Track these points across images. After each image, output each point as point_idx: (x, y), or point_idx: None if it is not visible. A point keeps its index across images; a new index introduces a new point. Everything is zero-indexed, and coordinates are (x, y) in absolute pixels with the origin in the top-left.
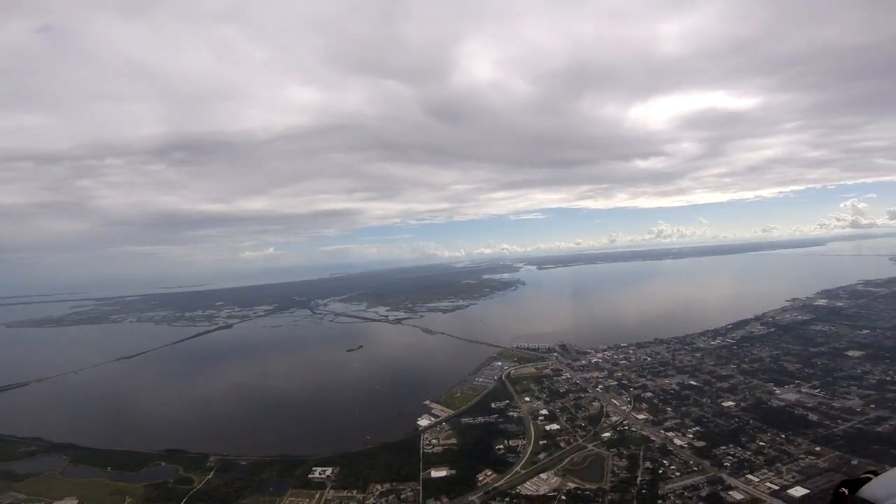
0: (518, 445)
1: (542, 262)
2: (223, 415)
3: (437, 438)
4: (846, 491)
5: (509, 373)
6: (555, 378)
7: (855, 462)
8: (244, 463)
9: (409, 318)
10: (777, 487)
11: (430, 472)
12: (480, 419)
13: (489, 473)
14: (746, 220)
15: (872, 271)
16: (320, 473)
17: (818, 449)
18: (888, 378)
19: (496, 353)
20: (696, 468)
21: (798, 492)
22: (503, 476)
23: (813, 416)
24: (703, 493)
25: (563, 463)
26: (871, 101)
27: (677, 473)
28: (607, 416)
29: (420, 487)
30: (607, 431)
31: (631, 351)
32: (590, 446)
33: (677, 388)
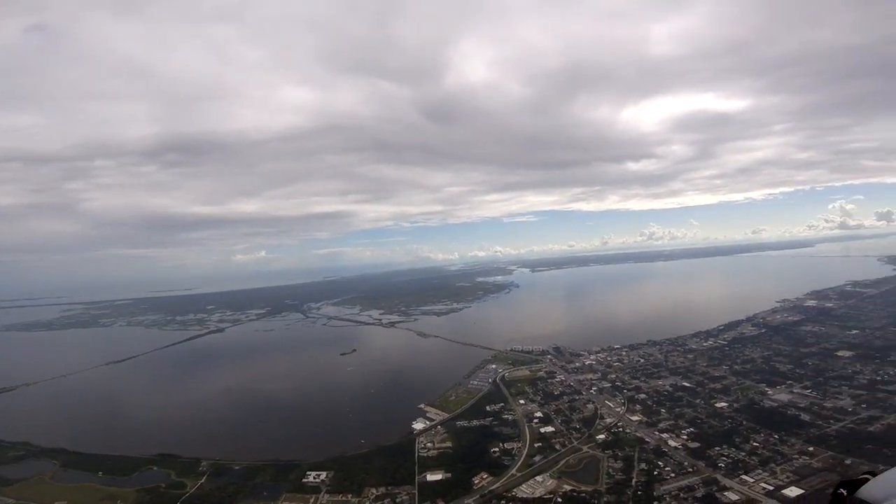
0: (513, 448)
1: (536, 265)
2: (215, 419)
3: (433, 442)
4: (844, 492)
5: (504, 375)
6: (549, 380)
7: (848, 462)
8: (237, 467)
9: (402, 321)
10: (772, 488)
11: (425, 476)
12: (475, 422)
13: (485, 476)
14: (736, 222)
15: (861, 272)
16: (314, 477)
17: (811, 449)
18: (878, 378)
19: (490, 355)
20: (690, 469)
21: (793, 492)
22: (499, 479)
23: (805, 417)
24: (699, 494)
25: (559, 465)
26: (858, 103)
27: (672, 475)
28: (602, 417)
29: (416, 491)
30: (602, 433)
31: (624, 353)
32: (585, 448)
33: (671, 389)
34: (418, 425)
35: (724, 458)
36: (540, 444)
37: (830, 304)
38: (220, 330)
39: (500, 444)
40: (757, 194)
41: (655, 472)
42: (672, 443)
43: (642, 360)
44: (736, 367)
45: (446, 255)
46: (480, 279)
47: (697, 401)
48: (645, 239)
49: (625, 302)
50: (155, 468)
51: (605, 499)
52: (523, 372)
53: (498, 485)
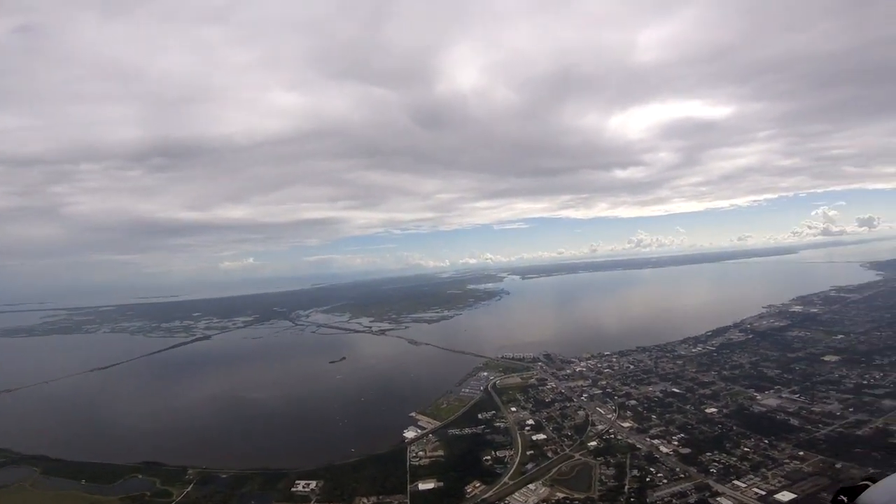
0: (505, 456)
1: (526, 272)
2: (202, 427)
3: (424, 450)
4: (845, 499)
5: (495, 383)
6: (540, 388)
7: (839, 466)
8: (224, 476)
9: (393, 328)
10: (764, 493)
11: (417, 485)
12: (467, 430)
13: (477, 485)
14: (722, 229)
15: (844, 278)
16: (304, 486)
17: (802, 453)
18: (865, 382)
19: (482, 363)
20: (682, 475)
21: (785, 496)
22: (491, 487)
23: (794, 421)
24: (692, 500)
25: (551, 473)
26: (839, 109)
27: (665, 481)
28: (593, 424)
29: (407, 500)
30: (593, 440)
31: (614, 359)
32: (577, 455)
33: (661, 395)
34: (410, 434)
35: (716, 464)
36: (532, 451)
37: (815, 310)
38: (207, 337)
39: (493, 452)
40: (742, 201)
41: (648, 479)
42: (663, 449)
43: (632, 367)
44: (724, 372)
45: (437, 262)
46: (471, 286)
47: (687, 406)
48: (633, 246)
49: (614, 309)
50: (140, 476)
51: None
52: (514, 379)
53: (490, 493)
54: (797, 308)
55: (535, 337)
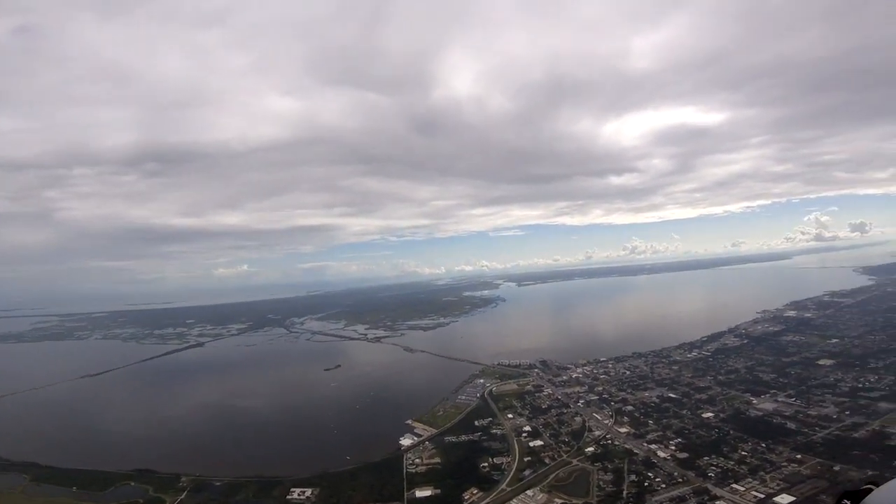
0: (503, 463)
1: (522, 279)
2: (195, 434)
3: (421, 458)
4: (848, 502)
5: (491, 390)
6: (537, 394)
7: (837, 468)
8: (218, 483)
9: (388, 336)
10: (763, 496)
11: (414, 492)
12: (464, 437)
13: (475, 492)
14: (716, 235)
15: (837, 282)
16: (299, 494)
17: (799, 456)
18: (860, 385)
19: (478, 370)
20: (681, 479)
21: (784, 499)
22: (489, 494)
23: (791, 425)
24: None
25: (549, 479)
26: (830, 114)
27: (663, 485)
28: (590, 430)
29: None
30: (591, 446)
31: (610, 365)
32: (574, 461)
33: (657, 400)
34: (406, 441)
35: (714, 468)
36: (529, 458)
37: (809, 315)
38: (201, 344)
39: (490, 459)
40: (735, 207)
41: (646, 484)
42: (661, 454)
43: (628, 373)
44: (720, 377)
45: (433, 269)
46: (467, 293)
47: (684, 411)
48: (628, 253)
49: (609, 315)
50: (132, 483)
51: None
52: (511, 386)
53: (488, 500)
54: (791, 313)
55: (532, 344)
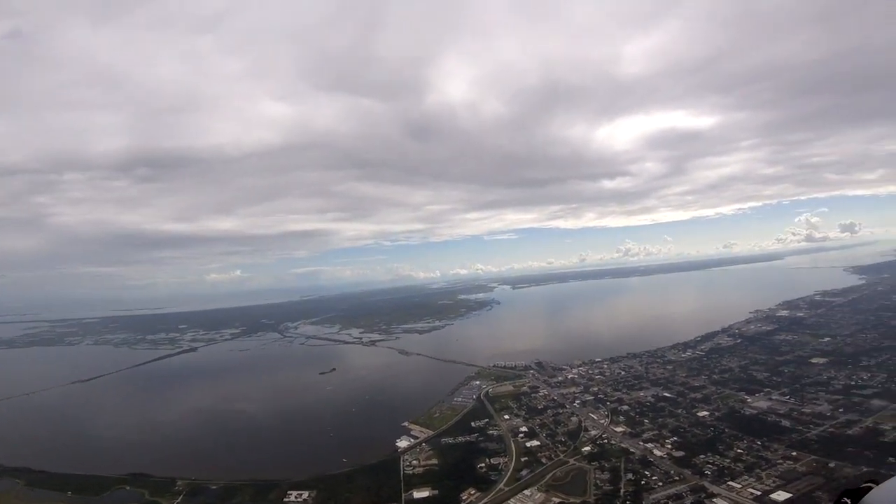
0: (500, 463)
1: (516, 282)
2: (190, 438)
3: (418, 459)
4: (848, 501)
5: (487, 391)
6: (532, 395)
7: (832, 465)
8: (214, 487)
9: (383, 339)
10: (759, 493)
11: (412, 494)
12: (461, 438)
13: (472, 492)
14: (708, 237)
15: (829, 282)
16: (296, 497)
17: (795, 454)
18: (852, 383)
19: (474, 372)
20: (677, 478)
21: (780, 496)
22: (487, 494)
23: (786, 423)
24: (688, 502)
25: (546, 479)
26: (818, 117)
27: (660, 484)
28: (586, 430)
29: None
30: (587, 445)
31: (605, 365)
32: (571, 461)
33: (652, 400)
34: (403, 443)
35: (710, 466)
36: (526, 458)
37: (802, 314)
38: (193, 349)
39: (487, 460)
40: (727, 209)
41: (643, 482)
42: (657, 452)
43: (623, 373)
44: (715, 376)
45: (428, 273)
46: (462, 297)
47: (679, 410)
48: (621, 255)
49: (604, 316)
50: (127, 488)
51: None
52: (507, 387)
53: (486, 500)
54: (784, 312)
55: (527, 345)
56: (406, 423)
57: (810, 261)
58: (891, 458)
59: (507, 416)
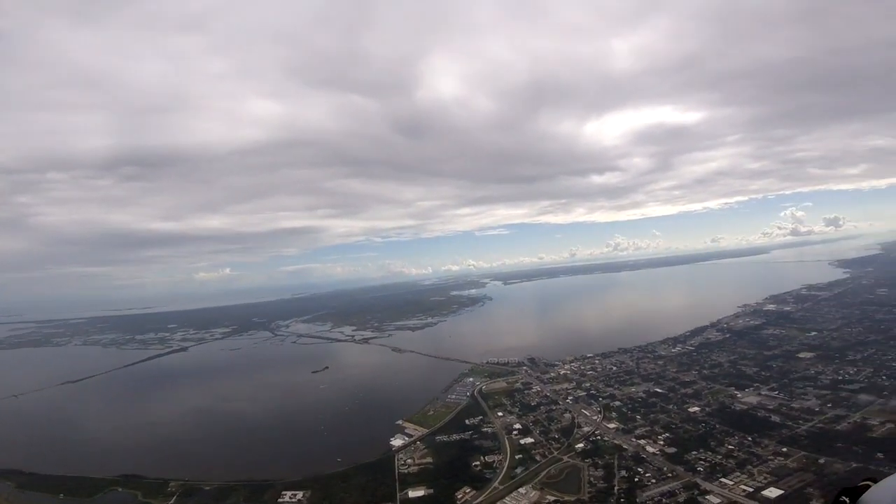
0: (494, 461)
1: (508, 278)
2: (182, 439)
3: (413, 458)
4: (847, 499)
5: (481, 388)
6: (526, 391)
7: (822, 461)
8: (208, 488)
9: (376, 337)
10: (752, 489)
11: (407, 493)
12: (455, 436)
13: (468, 491)
14: (696, 232)
15: (814, 276)
16: (291, 497)
17: (785, 450)
18: (840, 378)
19: (467, 369)
20: (670, 474)
21: (773, 493)
22: (482, 492)
23: (775, 418)
24: (681, 499)
25: (541, 476)
26: (802, 113)
27: (653, 480)
28: (579, 426)
29: None
30: (580, 442)
31: (597, 361)
32: (565, 458)
33: (644, 395)
34: (397, 441)
35: (702, 462)
36: (520, 455)
37: (789, 308)
38: (184, 349)
39: (481, 458)
40: (714, 204)
41: (636, 479)
42: (650, 449)
43: (615, 368)
44: (705, 371)
45: (419, 269)
46: (454, 293)
47: (671, 406)
48: (611, 250)
49: (594, 311)
50: (120, 489)
51: None
52: (500, 384)
53: (481, 498)
54: (771, 307)
55: (519, 341)
56: (400, 422)
57: (796, 255)
58: (880, 454)
59: (500, 414)
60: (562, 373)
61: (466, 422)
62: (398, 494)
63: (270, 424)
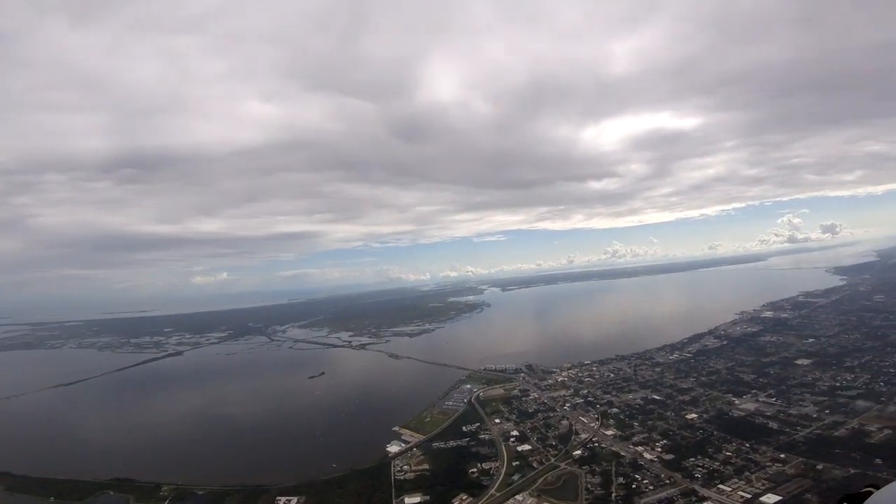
0: (491, 468)
1: (506, 284)
2: (176, 443)
3: (409, 464)
4: None
5: (478, 395)
6: (523, 398)
7: (820, 467)
8: (201, 492)
9: (373, 343)
10: (749, 496)
11: (403, 499)
12: (452, 443)
13: (464, 498)
14: (693, 239)
15: (811, 283)
16: (286, 502)
17: (783, 456)
18: (837, 384)
19: (465, 375)
20: (668, 481)
21: (771, 499)
22: (479, 500)
23: (773, 425)
24: None
25: (538, 483)
26: (797, 119)
27: (651, 487)
28: (576, 433)
29: None
30: (578, 449)
31: (594, 368)
32: (562, 465)
33: (642, 402)
34: (393, 448)
35: (700, 469)
36: (517, 462)
37: (786, 315)
38: (179, 353)
39: (478, 465)
40: (711, 210)
41: (634, 486)
42: (647, 455)
43: (612, 375)
44: (702, 378)
45: (417, 275)
46: (452, 299)
47: (668, 413)
48: (608, 257)
49: (592, 318)
50: (111, 493)
51: None
52: (498, 391)
53: None
54: (768, 314)
55: (517, 348)
56: (397, 428)
57: (793, 262)
58: (878, 460)
59: (498, 420)
60: (559, 380)
61: (464, 428)
62: (394, 501)
63: (265, 429)
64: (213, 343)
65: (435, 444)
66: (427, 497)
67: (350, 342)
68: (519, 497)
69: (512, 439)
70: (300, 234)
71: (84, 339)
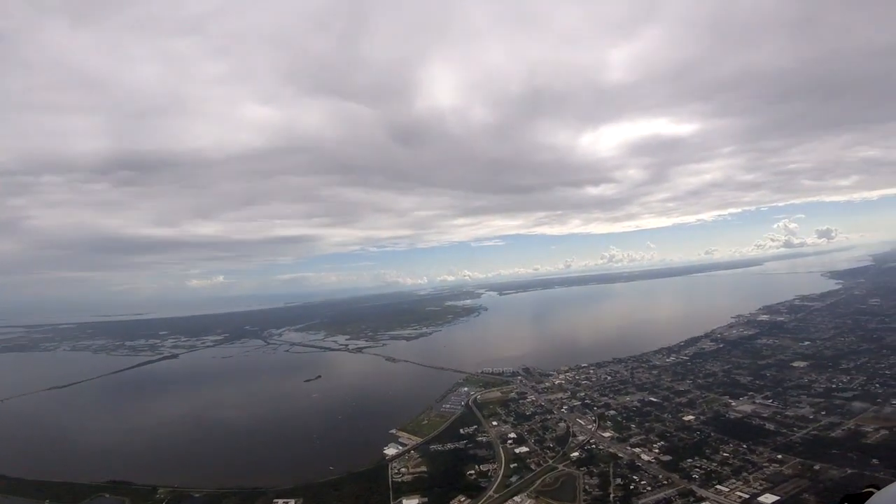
0: (489, 470)
1: (503, 288)
2: (172, 445)
3: (406, 467)
4: None
5: (476, 398)
6: (520, 401)
7: (817, 467)
8: (198, 495)
9: (370, 346)
10: (747, 496)
11: (401, 501)
12: (450, 445)
13: (462, 500)
14: (690, 243)
15: (807, 287)
16: None
17: (780, 457)
18: (833, 386)
19: (462, 378)
20: (665, 482)
21: (768, 499)
22: (477, 501)
23: (770, 426)
24: None
25: (536, 485)
26: (793, 124)
27: (648, 488)
28: (574, 435)
29: None
30: (575, 451)
31: (591, 371)
32: (560, 467)
33: (639, 404)
34: (391, 450)
35: (697, 470)
36: (515, 464)
37: (782, 318)
38: (174, 356)
39: (476, 467)
40: (707, 216)
41: (632, 487)
42: (645, 457)
43: (609, 378)
44: (699, 380)
45: (415, 279)
46: (449, 303)
47: (665, 415)
48: (605, 261)
49: (589, 322)
50: (107, 495)
51: None
52: (495, 394)
53: None
54: (764, 317)
55: (514, 351)
56: (394, 431)
57: (789, 266)
58: (874, 460)
59: (495, 423)
60: (557, 382)
61: (461, 431)
62: (392, 503)
63: (262, 432)
64: (208, 346)
65: (432, 447)
66: (425, 499)
67: (347, 346)
68: (517, 498)
69: (509, 441)
70: (298, 237)
71: (78, 342)
